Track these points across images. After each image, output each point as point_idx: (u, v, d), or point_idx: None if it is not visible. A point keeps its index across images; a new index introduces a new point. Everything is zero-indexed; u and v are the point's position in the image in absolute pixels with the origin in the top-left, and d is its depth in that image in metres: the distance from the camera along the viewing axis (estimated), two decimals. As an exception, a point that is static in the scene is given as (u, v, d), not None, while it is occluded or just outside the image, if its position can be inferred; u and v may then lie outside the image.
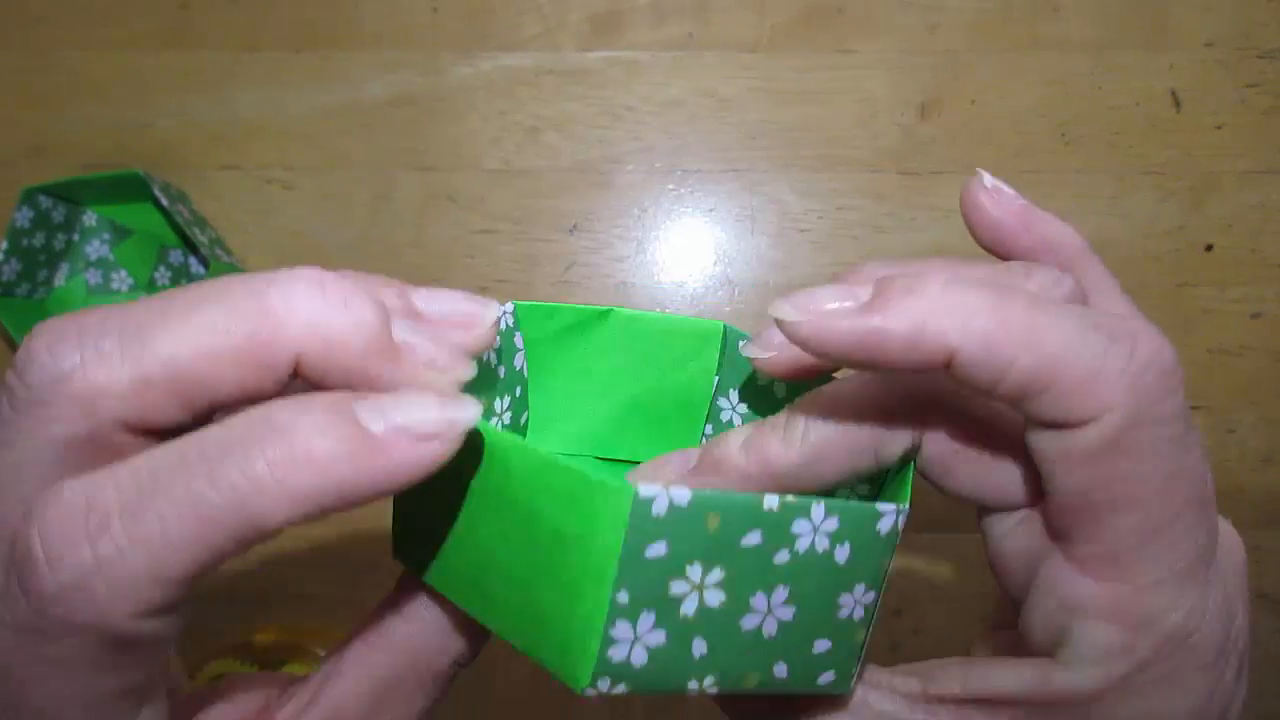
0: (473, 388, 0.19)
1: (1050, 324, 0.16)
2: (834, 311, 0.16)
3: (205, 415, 0.16)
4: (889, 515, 0.18)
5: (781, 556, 0.17)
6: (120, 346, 0.15)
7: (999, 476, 0.19)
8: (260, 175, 0.55)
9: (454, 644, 0.20)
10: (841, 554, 0.17)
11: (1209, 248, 0.54)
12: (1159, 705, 0.17)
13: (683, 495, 0.16)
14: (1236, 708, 0.18)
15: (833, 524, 0.17)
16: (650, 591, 0.16)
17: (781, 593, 0.17)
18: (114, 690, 0.15)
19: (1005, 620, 0.21)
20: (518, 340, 0.23)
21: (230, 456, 0.14)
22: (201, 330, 0.15)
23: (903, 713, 0.19)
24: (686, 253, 0.55)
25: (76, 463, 0.15)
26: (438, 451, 0.15)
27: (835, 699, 0.19)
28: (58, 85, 0.55)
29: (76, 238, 0.55)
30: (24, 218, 0.51)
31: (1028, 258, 0.20)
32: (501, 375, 0.23)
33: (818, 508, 0.17)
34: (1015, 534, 0.20)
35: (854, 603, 0.18)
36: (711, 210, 0.55)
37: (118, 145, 0.55)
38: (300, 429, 0.14)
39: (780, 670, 0.18)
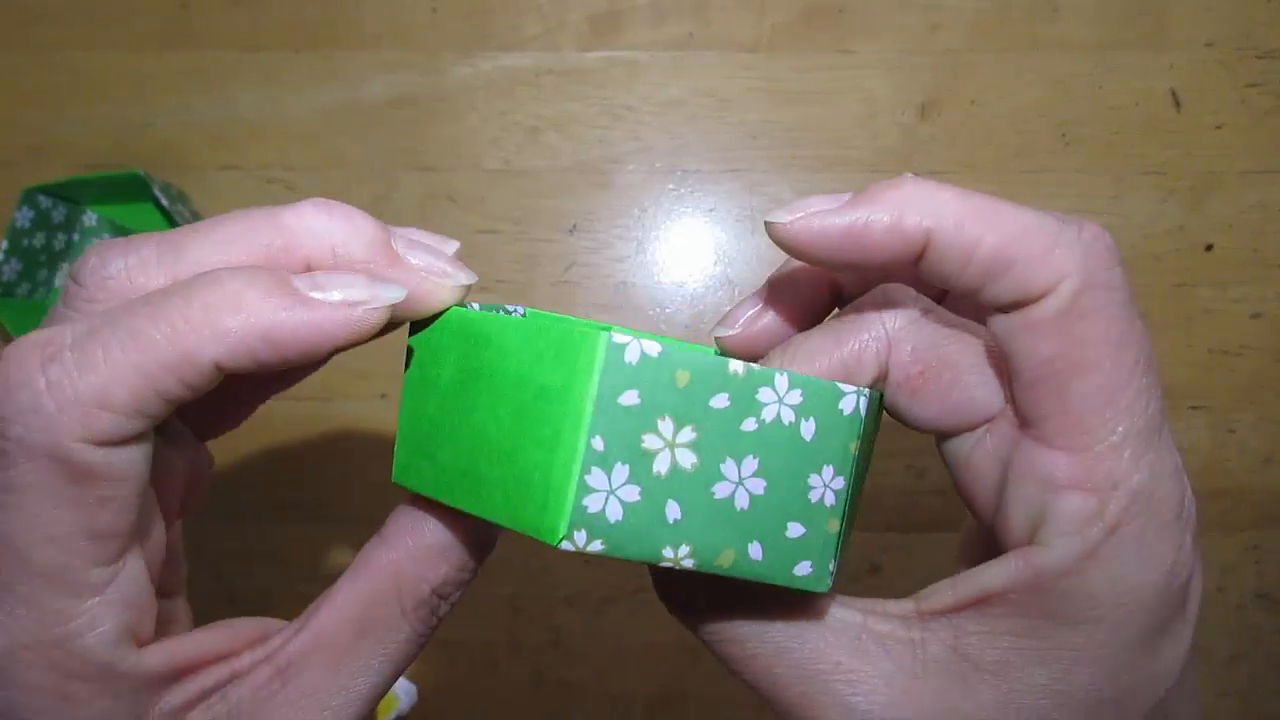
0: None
1: (1010, 208, 0.19)
2: (823, 210, 0.18)
3: (173, 407, 0.18)
4: (851, 395, 0.18)
5: (749, 424, 0.18)
6: (158, 255, 0.18)
7: (960, 394, 0.20)
8: (260, 175, 0.55)
9: (433, 571, 0.20)
10: (807, 430, 0.18)
11: (1209, 248, 0.54)
12: (1130, 571, 0.18)
13: (653, 346, 0.17)
14: (1197, 582, 0.19)
15: (796, 397, 0.18)
16: (624, 441, 0.17)
17: (751, 463, 0.18)
18: (80, 528, 0.16)
19: (976, 546, 0.22)
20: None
21: (171, 301, 0.16)
22: (225, 241, 0.18)
23: (899, 631, 0.19)
24: (686, 253, 0.55)
25: (69, 485, 0.17)
26: (362, 318, 0.17)
27: (836, 632, 0.20)
28: (58, 85, 0.55)
29: (76, 238, 0.55)
30: (24, 218, 0.51)
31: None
32: None
33: (781, 377, 0.18)
34: (982, 444, 0.20)
35: (824, 486, 0.19)
36: (711, 210, 0.55)
37: (118, 145, 0.55)
38: (238, 282, 0.17)
39: (755, 551, 0.18)
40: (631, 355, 0.17)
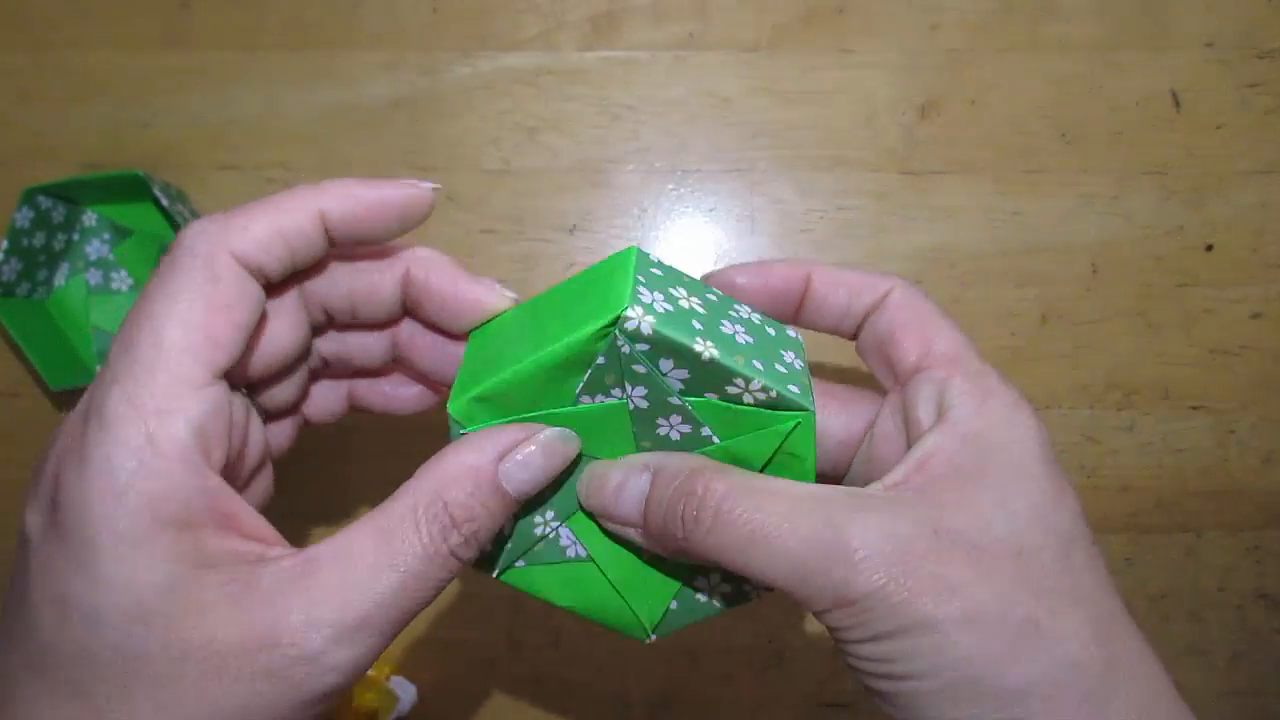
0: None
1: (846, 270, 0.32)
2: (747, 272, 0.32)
3: (289, 266, 0.25)
4: (793, 332, 0.30)
5: (734, 312, 0.27)
6: (247, 221, 0.24)
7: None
8: (260, 175, 0.55)
9: (452, 490, 0.24)
10: (771, 331, 0.28)
11: (1209, 248, 0.54)
12: (1009, 418, 0.25)
13: (663, 261, 0.27)
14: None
15: (758, 313, 0.29)
16: (656, 285, 0.25)
17: (740, 327, 0.26)
18: (202, 322, 0.23)
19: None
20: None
21: (295, 188, 0.25)
22: (286, 213, 0.25)
23: (878, 496, 0.24)
24: (686, 253, 0.55)
25: (209, 282, 0.23)
26: (421, 194, 0.27)
27: (836, 503, 0.24)
28: (58, 85, 0.55)
29: (76, 238, 0.55)
30: (24, 218, 0.51)
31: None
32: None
33: (744, 305, 0.29)
34: (877, 431, 0.29)
35: (791, 358, 0.27)
36: (712, 210, 0.55)
37: (118, 145, 0.55)
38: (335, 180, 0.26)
39: (758, 363, 0.25)
40: (653, 255, 0.27)
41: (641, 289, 0.24)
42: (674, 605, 0.28)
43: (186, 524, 0.21)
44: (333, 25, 0.55)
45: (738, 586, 0.28)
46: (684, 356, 0.24)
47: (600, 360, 0.25)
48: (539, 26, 0.55)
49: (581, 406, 0.26)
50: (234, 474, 0.26)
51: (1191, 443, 0.54)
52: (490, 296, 0.28)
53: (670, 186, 0.55)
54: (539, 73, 0.55)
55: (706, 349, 0.24)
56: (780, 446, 0.26)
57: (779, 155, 0.55)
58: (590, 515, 0.28)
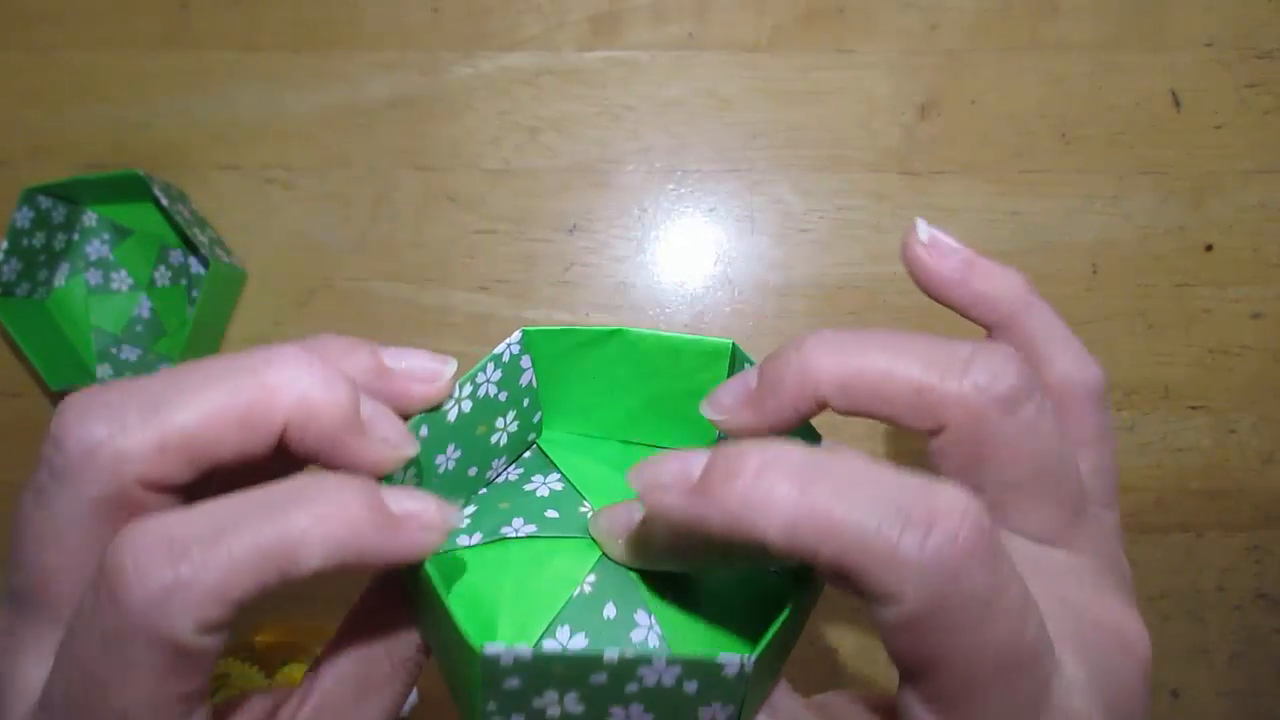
0: (473, 417, 0.23)
1: (848, 513, 0.17)
2: (666, 487, 0.19)
3: (209, 475, 0.19)
4: (732, 665, 0.18)
5: (631, 687, 0.19)
6: (141, 419, 0.18)
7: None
8: (260, 175, 0.55)
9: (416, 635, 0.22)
10: (690, 687, 0.19)
11: (1209, 248, 0.54)
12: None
13: (525, 651, 0.18)
14: None
15: (676, 670, 0.18)
16: (515, 704, 0.19)
17: (638, 709, 0.19)
18: (178, 695, 0.18)
19: None
20: (524, 363, 0.25)
21: (287, 509, 0.18)
22: (208, 403, 0.19)
23: None
24: (687, 253, 0.55)
25: (107, 518, 0.19)
26: (432, 540, 0.19)
27: None
28: (58, 85, 0.55)
29: (76, 238, 0.55)
30: (24, 218, 0.51)
31: (971, 310, 0.25)
32: (503, 399, 0.25)
33: (659, 661, 0.18)
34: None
35: (713, 714, 0.19)
36: (712, 210, 0.55)
37: (118, 145, 0.55)
38: (343, 496, 0.18)
39: None
40: (507, 660, 0.18)
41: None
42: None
43: None
44: (333, 25, 0.55)
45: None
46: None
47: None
48: (539, 26, 0.55)
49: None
50: None
51: (1191, 443, 0.54)
52: (384, 454, 0.20)
53: (670, 186, 0.55)
54: (539, 73, 0.55)
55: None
56: None
57: (779, 155, 0.55)
58: None
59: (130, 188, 0.52)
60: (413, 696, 0.53)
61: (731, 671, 0.18)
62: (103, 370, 0.55)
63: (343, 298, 0.55)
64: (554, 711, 0.19)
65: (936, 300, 0.25)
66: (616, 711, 0.19)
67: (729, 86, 0.55)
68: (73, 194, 0.53)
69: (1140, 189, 0.54)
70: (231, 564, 0.17)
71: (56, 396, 0.56)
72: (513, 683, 0.18)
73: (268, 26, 0.55)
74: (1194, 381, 0.54)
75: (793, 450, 0.18)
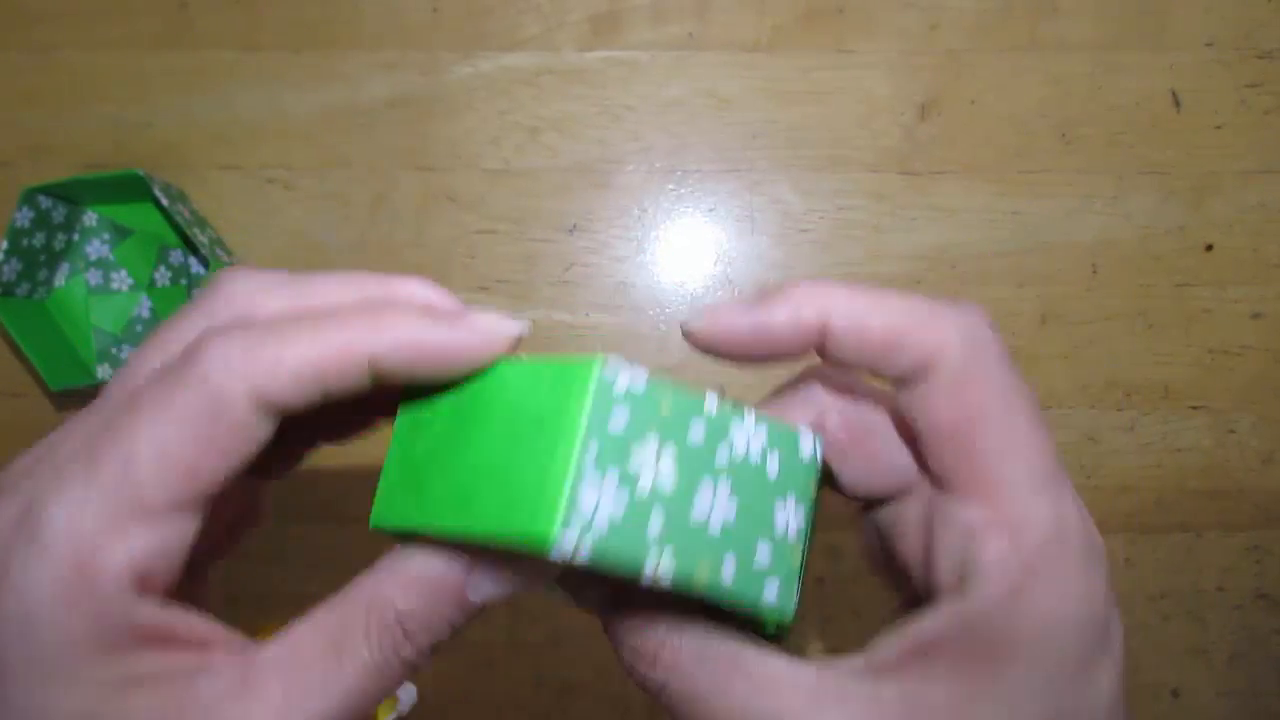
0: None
1: (893, 295, 0.21)
2: (730, 313, 0.21)
3: (315, 404, 0.20)
4: (808, 438, 0.21)
5: (722, 454, 0.20)
6: (286, 282, 0.21)
7: (885, 460, 0.22)
8: (260, 175, 0.55)
9: (404, 597, 0.21)
10: (772, 466, 0.21)
11: (1209, 248, 0.54)
12: (1051, 605, 0.20)
13: (641, 376, 0.19)
14: (1117, 624, 0.22)
15: (762, 435, 0.20)
16: (613, 458, 0.18)
17: (725, 488, 0.20)
18: (187, 464, 0.19)
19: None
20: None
21: (352, 309, 0.20)
22: (344, 284, 0.21)
23: (852, 686, 0.20)
24: (686, 253, 0.55)
25: (210, 419, 0.19)
26: (491, 341, 0.20)
27: (793, 689, 0.20)
28: (58, 85, 0.55)
29: (76, 238, 0.55)
30: (24, 218, 0.51)
31: (788, 344, 0.22)
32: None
33: (749, 416, 0.20)
34: (906, 510, 0.22)
35: (787, 519, 0.21)
36: (712, 210, 0.55)
37: (118, 145, 0.55)
38: (403, 301, 0.21)
39: (728, 571, 0.20)
40: (620, 384, 0.18)
41: (587, 483, 0.18)
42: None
43: (113, 648, 0.19)
44: (333, 25, 0.55)
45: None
46: (631, 577, 0.19)
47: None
48: (539, 26, 0.55)
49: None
50: (199, 564, 0.23)
51: (1191, 443, 0.54)
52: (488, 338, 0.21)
53: (670, 186, 0.55)
54: (539, 73, 0.55)
55: (659, 569, 0.19)
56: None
57: (779, 155, 0.55)
58: None
59: (130, 188, 0.52)
60: (413, 696, 0.53)
61: (807, 450, 0.21)
62: (103, 370, 0.55)
63: (343, 298, 0.55)
64: (647, 476, 0.19)
65: (744, 357, 0.22)
66: (704, 488, 0.20)
67: (729, 86, 0.55)
68: (73, 194, 0.53)
69: (1140, 189, 0.54)
70: (283, 344, 0.19)
71: (56, 396, 0.56)
72: (619, 421, 0.18)
73: (268, 26, 0.55)
74: (1194, 381, 0.54)
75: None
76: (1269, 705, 0.55)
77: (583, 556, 0.18)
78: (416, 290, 0.22)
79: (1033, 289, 0.54)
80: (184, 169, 0.55)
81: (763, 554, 0.20)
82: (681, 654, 0.22)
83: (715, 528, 0.20)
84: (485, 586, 0.21)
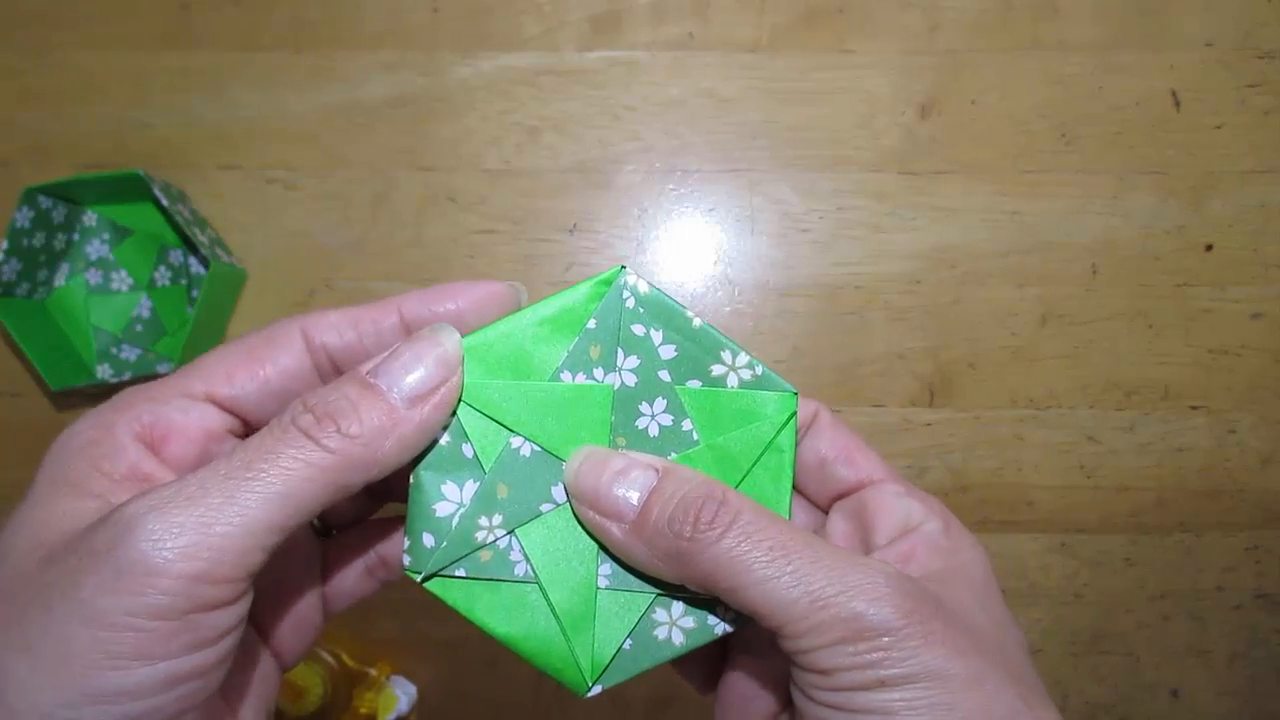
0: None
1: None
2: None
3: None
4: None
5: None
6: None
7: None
8: (260, 175, 0.55)
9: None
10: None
11: (1209, 248, 0.54)
12: (971, 559, 0.26)
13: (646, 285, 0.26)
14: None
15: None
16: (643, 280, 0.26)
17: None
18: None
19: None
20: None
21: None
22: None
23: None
24: (686, 253, 0.55)
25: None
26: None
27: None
28: (58, 85, 0.55)
29: (76, 238, 0.55)
30: (24, 218, 0.51)
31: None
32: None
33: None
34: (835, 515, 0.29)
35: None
36: (711, 210, 0.55)
37: (118, 145, 0.55)
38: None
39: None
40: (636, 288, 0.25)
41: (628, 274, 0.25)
42: (628, 645, 0.25)
43: (113, 477, 0.23)
44: (333, 25, 0.55)
45: (703, 620, 0.25)
46: (675, 323, 0.25)
47: (591, 324, 0.25)
48: (539, 26, 0.55)
49: (561, 384, 0.25)
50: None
51: (1191, 443, 0.54)
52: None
53: (670, 186, 0.55)
54: (539, 73, 0.55)
55: (696, 316, 0.25)
56: (769, 442, 0.25)
57: (779, 155, 0.55)
58: (561, 526, 0.25)
59: (130, 188, 0.52)
60: (412, 696, 0.53)
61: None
62: (103, 370, 0.55)
63: (343, 298, 0.55)
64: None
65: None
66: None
67: (729, 86, 0.55)
68: (73, 194, 0.53)
69: (1140, 189, 0.54)
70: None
71: (56, 396, 0.56)
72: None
73: (268, 26, 0.55)
74: (1194, 381, 0.54)
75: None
76: (1269, 705, 0.55)
77: (643, 288, 0.25)
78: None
79: (1033, 289, 0.54)
80: (184, 169, 0.55)
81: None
82: (749, 507, 0.24)
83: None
84: (387, 368, 0.24)
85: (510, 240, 0.55)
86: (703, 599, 0.25)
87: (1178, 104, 0.55)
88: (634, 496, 0.24)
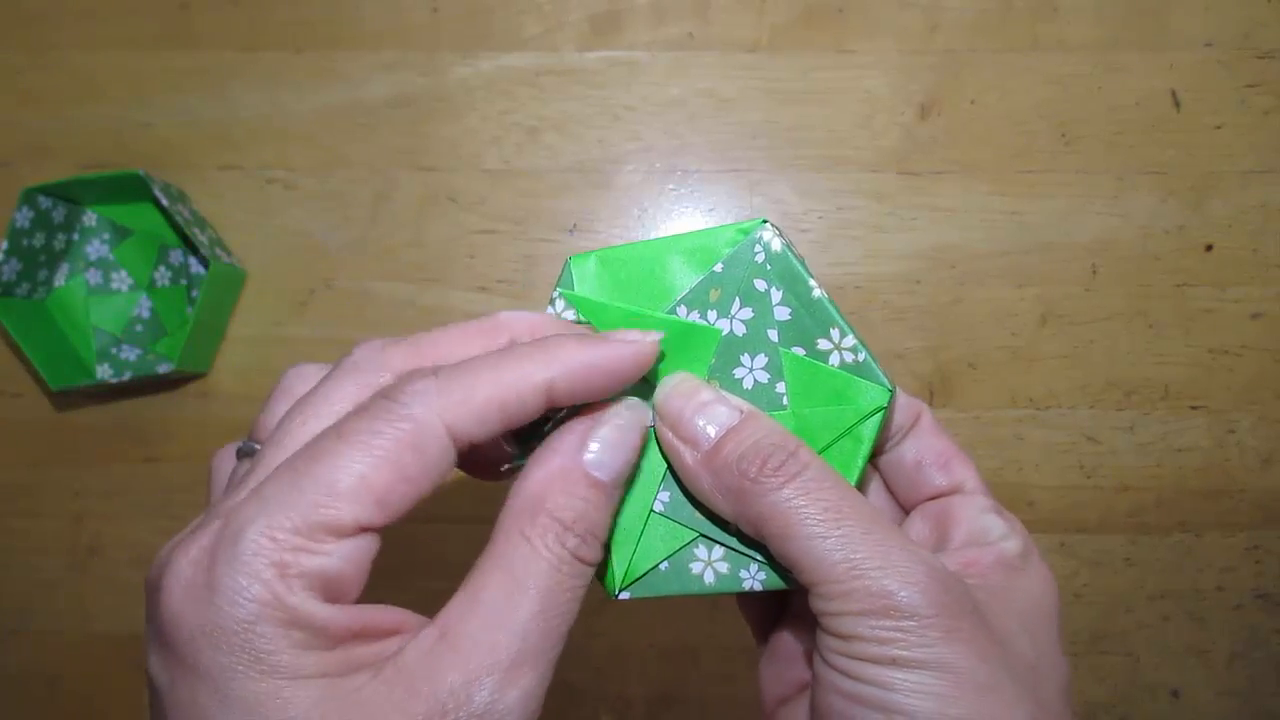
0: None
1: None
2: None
3: (498, 433, 0.23)
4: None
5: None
6: (469, 390, 0.23)
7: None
8: (260, 175, 0.55)
9: (552, 496, 0.24)
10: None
11: (1209, 248, 0.54)
12: (1043, 574, 0.26)
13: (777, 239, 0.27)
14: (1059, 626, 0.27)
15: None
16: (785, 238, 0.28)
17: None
18: (390, 478, 0.21)
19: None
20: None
21: (518, 349, 0.23)
22: (510, 384, 0.23)
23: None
24: (686, 253, 0.55)
25: (410, 450, 0.22)
26: (644, 349, 0.24)
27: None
28: (58, 85, 0.55)
29: (76, 238, 0.55)
30: (24, 218, 0.51)
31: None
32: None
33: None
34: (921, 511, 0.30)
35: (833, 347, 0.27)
36: (711, 210, 0.55)
37: (118, 145, 0.55)
38: (559, 337, 0.24)
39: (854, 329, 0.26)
40: (768, 244, 0.27)
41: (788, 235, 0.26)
42: (664, 566, 0.27)
43: (323, 644, 0.21)
44: (333, 25, 0.55)
45: (736, 570, 0.27)
46: (796, 287, 0.26)
47: (718, 268, 0.26)
48: (539, 26, 0.55)
49: (674, 318, 0.26)
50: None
51: (1191, 443, 0.54)
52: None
53: (670, 186, 0.55)
54: (539, 73, 0.55)
55: (820, 289, 0.25)
56: (849, 428, 0.26)
57: (778, 155, 0.55)
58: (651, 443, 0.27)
59: (130, 188, 0.52)
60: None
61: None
62: (103, 370, 0.55)
63: (343, 298, 0.55)
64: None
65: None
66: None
67: (729, 86, 0.55)
68: (73, 194, 0.53)
69: (1140, 189, 0.54)
70: (471, 385, 0.22)
71: (56, 396, 0.56)
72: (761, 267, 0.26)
73: (268, 26, 0.55)
74: (1194, 381, 0.54)
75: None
76: (1269, 705, 0.55)
77: (776, 246, 0.25)
78: (519, 317, 0.25)
79: (1033, 289, 0.54)
80: (184, 169, 0.55)
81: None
82: (818, 464, 0.24)
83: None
84: (602, 459, 0.24)
85: (510, 240, 0.55)
86: (741, 552, 0.26)
87: (1177, 104, 0.55)
88: (712, 430, 0.25)
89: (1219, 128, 0.54)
